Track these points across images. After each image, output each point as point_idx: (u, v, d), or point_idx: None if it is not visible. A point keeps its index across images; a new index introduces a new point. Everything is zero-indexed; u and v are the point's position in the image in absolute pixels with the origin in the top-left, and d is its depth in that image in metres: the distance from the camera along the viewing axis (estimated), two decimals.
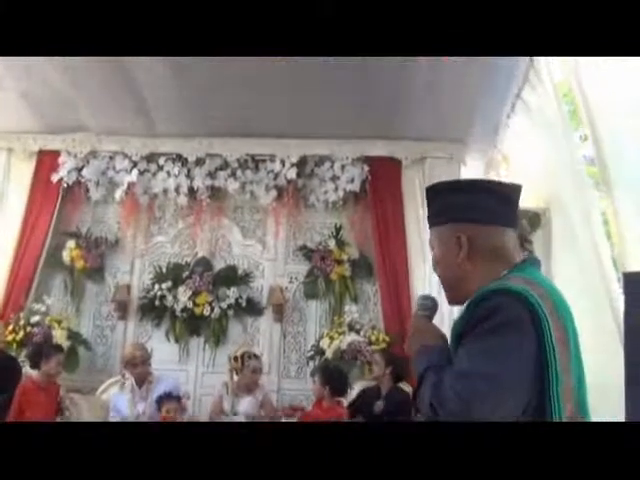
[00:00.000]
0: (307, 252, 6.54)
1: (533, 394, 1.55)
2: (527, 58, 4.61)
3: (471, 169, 6.61)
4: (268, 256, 6.63)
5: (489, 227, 1.77)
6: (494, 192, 1.82)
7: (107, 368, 6.39)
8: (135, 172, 6.49)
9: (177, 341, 6.39)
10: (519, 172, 6.06)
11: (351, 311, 6.28)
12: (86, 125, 6.37)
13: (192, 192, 6.53)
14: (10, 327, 6.01)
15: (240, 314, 6.44)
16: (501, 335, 1.54)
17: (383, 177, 6.45)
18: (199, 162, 6.54)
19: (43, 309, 6.20)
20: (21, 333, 5.98)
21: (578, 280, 4.48)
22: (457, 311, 1.75)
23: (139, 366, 5.22)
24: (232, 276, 6.51)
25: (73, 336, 6.19)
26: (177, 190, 6.53)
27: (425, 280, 5.89)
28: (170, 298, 6.33)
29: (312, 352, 6.24)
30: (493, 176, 6.41)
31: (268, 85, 5.37)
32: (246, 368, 5.35)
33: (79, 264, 6.47)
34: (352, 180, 6.41)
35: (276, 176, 6.46)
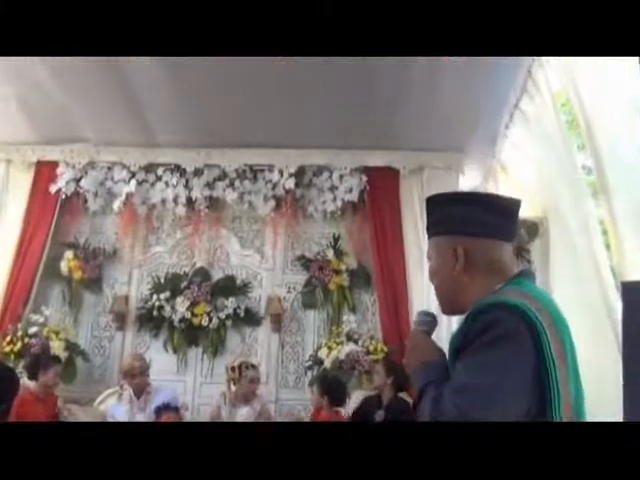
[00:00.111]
0: (305, 262, 6.54)
1: (532, 406, 1.55)
2: (525, 68, 4.63)
3: (469, 179, 6.63)
4: (266, 266, 6.63)
5: (487, 240, 1.78)
6: (493, 206, 1.82)
7: (105, 379, 6.37)
8: (133, 182, 6.50)
9: (175, 352, 6.38)
10: (517, 182, 6.07)
11: (349, 321, 6.28)
12: (84, 136, 6.38)
13: (190, 202, 6.54)
14: (8, 338, 5.99)
15: (238, 324, 6.43)
16: (499, 348, 1.54)
17: (381, 187, 6.46)
18: (197, 172, 6.55)
19: (41, 320, 6.19)
20: (19, 344, 5.96)
21: (576, 289, 4.48)
22: (456, 326, 1.74)
23: (137, 377, 5.21)
24: (230, 286, 6.50)
25: (71, 347, 6.17)
26: (175, 200, 6.53)
27: (423, 290, 5.88)
28: (168, 308, 6.32)
29: (310, 362, 6.23)
30: (491, 186, 6.43)
31: (266, 95, 5.39)
32: (244, 378, 5.34)
33: (77, 275, 6.46)
34: (350, 190, 6.42)
35: (274, 186, 6.47)
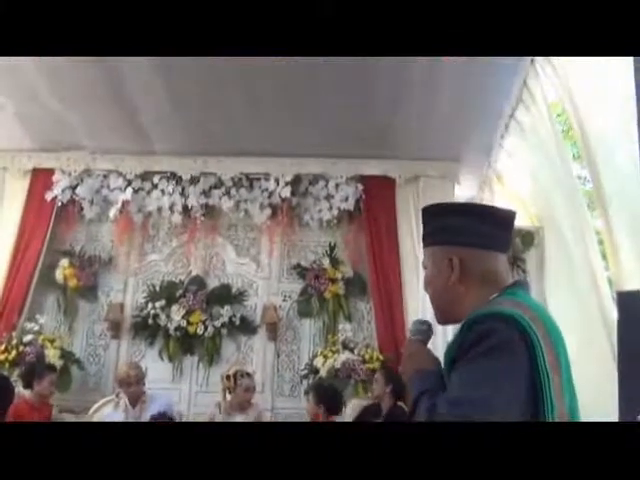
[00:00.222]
0: (301, 271, 6.54)
1: (526, 416, 1.55)
2: (521, 78, 4.65)
3: (465, 188, 6.64)
4: (262, 274, 6.63)
5: (482, 251, 1.78)
6: (489, 217, 1.83)
7: (100, 387, 6.35)
8: (129, 190, 6.49)
9: (170, 360, 6.36)
10: (513, 191, 6.09)
11: (345, 329, 6.28)
12: (80, 144, 6.38)
13: (186, 210, 6.54)
14: (2, 346, 5.97)
15: (234, 333, 6.42)
16: (494, 358, 1.54)
17: (377, 196, 6.48)
18: (193, 180, 6.55)
19: (36, 328, 6.16)
20: (13, 352, 5.93)
21: (572, 299, 4.49)
22: (451, 335, 1.75)
23: (133, 385, 5.19)
24: (226, 294, 6.50)
25: (66, 355, 6.15)
26: (171, 208, 6.53)
27: (419, 299, 5.89)
28: (163, 317, 6.31)
29: (306, 371, 6.23)
30: (487, 195, 6.44)
31: (262, 104, 5.40)
32: (239, 387, 5.33)
33: (72, 283, 6.45)
34: (346, 199, 6.43)
35: (270, 195, 6.48)
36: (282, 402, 6.31)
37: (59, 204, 6.53)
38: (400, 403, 5.16)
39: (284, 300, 6.58)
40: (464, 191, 6.72)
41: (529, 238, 5.64)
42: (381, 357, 6.02)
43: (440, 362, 1.78)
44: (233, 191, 6.52)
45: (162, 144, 6.32)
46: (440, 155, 6.25)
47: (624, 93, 3.01)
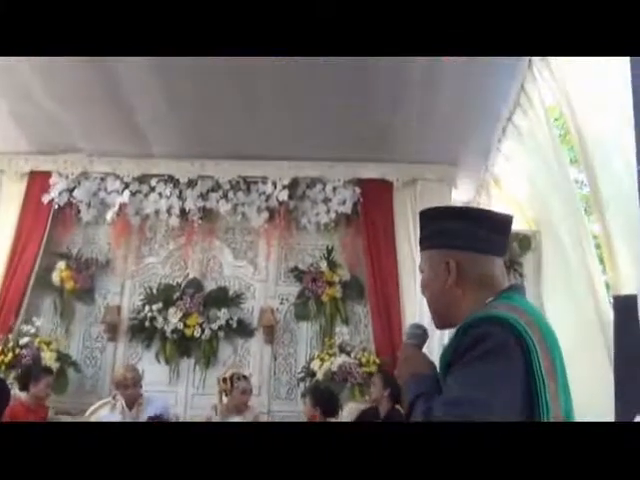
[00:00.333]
0: (298, 274, 6.54)
1: (522, 420, 1.56)
2: (518, 83, 4.66)
3: (462, 192, 6.65)
4: (259, 277, 6.63)
5: (478, 255, 1.79)
6: (486, 221, 1.83)
7: (96, 389, 6.35)
8: (127, 193, 6.49)
9: (167, 362, 6.35)
10: (510, 195, 6.10)
11: (342, 333, 6.28)
12: (78, 146, 6.38)
13: (184, 213, 6.54)
14: None
15: (231, 335, 6.42)
16: (489, 362, 1.55)
17: (374, 199, 6.48)
18: (191, 183, 6.55)
19: (32, 330, 6.16)
20: (10, 355, 5.92)
21: (569, 303, 4.49)
22: (448, 338, 1.75)
23: (130, 388, 5.19)
24: (223, 297, 6.50)
25: (62, 358, 6.14)
26: (169, 211, 6.53)
27: (416, 302, 5.89)
28: (160, 319, 6.31)
29: (303, 374, 6.23)
30: (484, 199, 6.45)
31: (260, 107, 5.41)
32: (235, 389, 5.33)
33: (69, 285, 6.44)
34: (344, 202, 6.44)
35: (268, 198, 6.49)
36: (279, 405, 6.30)
37: (56, 207, 6.52)
38: (398, 407, 5.16)
39: (281, 303, 6.58)
40: (461, 195, 6.73)
41: (526, 242, 5.65)
42: (377, 361, 6.02)
43: (435, 366, 1.79)
44: (230, 194, 6.52)
45: (160, 147, 6.32)
46: (438, 158, 6.26)
47: (621, 97, 3.02)
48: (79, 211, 6.58)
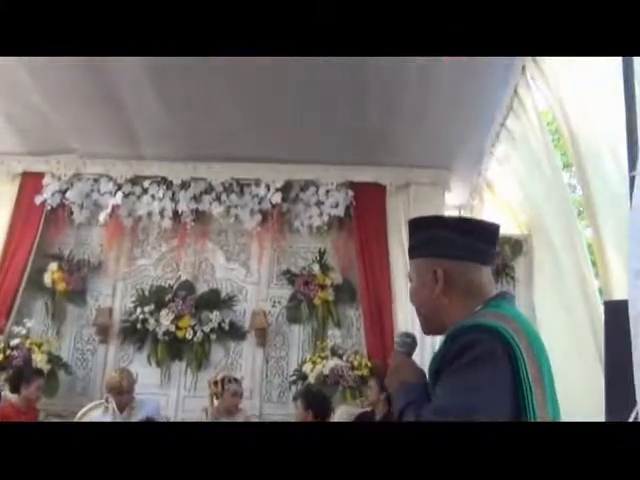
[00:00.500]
0: (291, 276, 6.54)
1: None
2: (512, 87, 4.68)
3: (455, 196, 6.67)
4: (251, 280, 6.62)
5: (466, 263, 1.80)
6: (473, 230, 1.85)
7: (87, 392, 6.32)
8: (119, 195, 6.48)
9: (159, 365, 6.34)
10: (503, 199, 6.12)
11: (334, 336, 6.28)
12: (71, 147, 6.36)
13: (176, 215, 6.53)
14: None
15: (223, 338, 6.41)
16: (477, 369, 1.56)
17: (367, 203, 6.49)
18: (184, 185, 6.55)
19: (23, 332, 6.14)
20: (0, 356, 5.91)
21: (560, 307, 4.51)
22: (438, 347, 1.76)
23: (124, 394, 5.18)
24: (215, 300, 6.49)
25: (53, 360, 6.12)
26: (161, 213, 6.52)
27: (408, 306, 5.86)
28: (152, 321, 6.29)
29: (295, 377, 6.22)
30: (477, 203, 6.47)
31: (254, 110, 5.41)
32: (226, 392, 5.33)
33: (61, 287, 6.42)
34: (336, 205, 6.44)
35: (261, 200, 6.48)
36: (270, 408, 6.29)
37: (49, 208, 6.51)
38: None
39: (273, 306, 6.57)
40: (454, 199, 6.75)
41: (518, 246, 5.68)
42: (369, 364, 6.02)
43: (425, 374, 1.80)
44: (223, 197, 6.52)
45: (153, 149, 6.32)
46: (431, 163, 6.27)
47: (614, 102, 3.03)
48: (72, 212, 6.56)
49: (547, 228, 4.89)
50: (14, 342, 6.03)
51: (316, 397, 5.23)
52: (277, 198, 6.44)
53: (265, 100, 5.23)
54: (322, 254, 6.52)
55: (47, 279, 6.44)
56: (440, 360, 1.65)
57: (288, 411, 5.99)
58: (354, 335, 6.46)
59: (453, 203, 6.80)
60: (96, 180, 6.62)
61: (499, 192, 6.23)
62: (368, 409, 5.42)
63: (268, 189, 6.48)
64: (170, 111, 5.47)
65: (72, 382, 6.34)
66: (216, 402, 5.39)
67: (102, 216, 6.50)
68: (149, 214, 6.56)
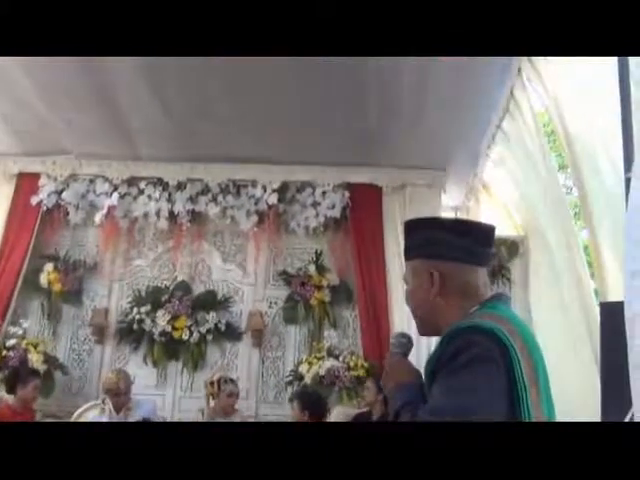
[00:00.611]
0: (287, 277, 6.54)
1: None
2: (508, 89, 4.69)
3: (451, 197, 6.68)
4: (248, 281, 6.62)
5: (462, 265, 1.81)
6: (469, 232, 1.85)
7: (83, 392, 6.31)
8: (116, 196, 6.47)
9: (155, 365, 6.33)
10: (499, 200, 6.13)
11: (330, 337, 6.29)
12: (67, 148, 6.36)
13: (172, 216, 6.53)
14: None
15: (219, 339, 6.41)
16: (473, 371, 1.57)
17: (364, 204, 6.50)
18: (180, 186, 6.55)
19: (20, 332, 6.14)
20: None
21: (556, 308, 4.52)
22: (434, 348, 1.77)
23: (122, 396, 5.18)
24: (211, 300, 6.49)
25: (49, 360, 6.11)
26: (157, 214, 6.51)
27: (404, 306, 5.88)
28: (148, 322, 6.29)
29: (291, 377, 6.23)
30: (473, 204, 6.48)
31: (251, 111, 5.41)
32: (222, 392, 5.32)
33: (57, 287, 6.41)
34: (333, 206, 6.44)
35: (257, 201, 6.48)
36: (266, 408, 6.30)
37: (44, 208, 6.49)
38: None
39: (270, 307, 6.57)
40: (450, 200, 6.76)
41: (514, 248, 5.69)
42: (366, 365, 6.02)
43: (421, 375, 1.80)
44: (220, 197, 6.52)
45: (149, 149, 6.31)
46: (427, 164, 6.28)
47: (610, 103, 3.04)
48: (67, 213, 6.55)
49: (543, 229, 4.90)
50: (10, 343, 6.02)
51: (312, 398, 5.24)
52: (273, 199, 6.44)
53: (261, 101, 5.23)
54: (318, 255, 6.52)
55: (43, 280, 6.43)
56: (436, 361, 1.66)
57: (284, 412, 5.98)
58: (350, 336, 6.46)
59: (449, 204, 6.81)
60: (92, 181, 6.62)
61: (495, 193, 6.24)
62: (365, 410, 5.42)
63: (264, 190, 6.48)
64: (166, 111, 5.47)
65: (68, 382, 6.34)
66: (212, 402, 5.38)
67: (98, 217, 6.49)
68: (145, 215, 6.55)
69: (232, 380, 5.50)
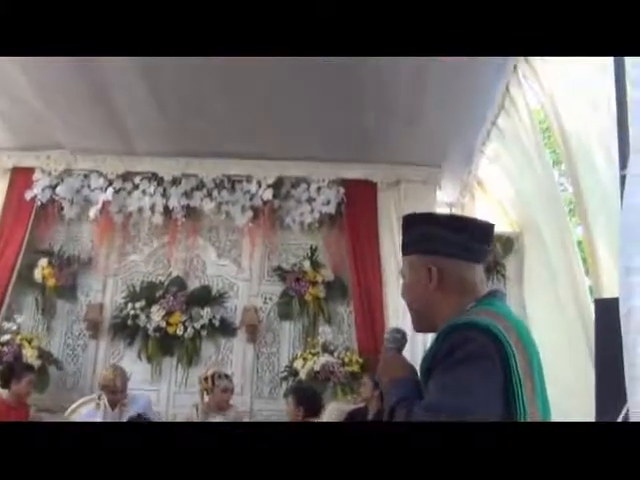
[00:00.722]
0: (282, 273, 6.55)
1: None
2: (503, 85, 4.69)
3: (446, 193, 6.69)
4: (243, 276, 6.62)
5: (460, 261, 1.81)
6: (468, 228, 1.86)
7: (77, 387, 6.31)
8: (110, 190, 6.46)
9: (149, 361, 6.33)
10: (494, 197, 6.14)
11: (325, 332, 6.29)
12: (61, 143, 6.34)
13: (167, 211, 6.52)
14: None
15: (213, 334, 6.40)
16: (469, 367, 1.57)
17: (359, 200, 6.50)
18: (175, 182, 6.54)
19: (14, 328, 6.12)
20: None
21: (551, 304, 4.54)
22: (430, 342, 1.77)
23: (117, 393, 5.19)
24: (206, 296, 6.49)
25: (43, 355, 6.10)
26: (152, 209, 6.50)
27: (399, 302, 5.90)
28: (143, 317, 6.28)
29: (285, 373, 6.23)
30: (468, 200, 6.49)
31: (246, 106, 5.40)
32: (216, 388, 5.33)
33: (51, 282, 6.40)
34: (328, 202, 6.45)
35: (252, 197, 6.48)
36: (261, 404, 6.31)
37: (39, 203, 6.48)
38: None
39: (264, 302, 6.58)
40: (445, 196, 6.77)
41: (509, 244, 5.70)
42: (360, 360, 6.04)
43: (416, 370, 1.81)
44: (215, 193, 6.51)
45: (144, 144, 6.30)
46: (422, 160, 6.28)
47: (606, 101, 3.05)
48: (62, 208, 6.53)
49: (538, 226, 4.91)
50: (4, 338, 6.01)
51: (307, 393, 5.24)
52: (268, 195, 6.44)
53: (257, 97, 5.23)
54: (313, 251, 6.53)
55: (37, 275, 6.42)
56: (432, 358, 1.67)
57: (279, 407, 6.00)
58: (345, 331, 6.47)
59: (444, 201, 6.82)
60: (86, 176, 6.60)
61: (490, 190, 6.26)
62: (361, 405, 5.43)
63: (259, 186, 6.48)
64: (161, 107, 5.46)
65: (62, 377, 6.33)
66: (206, 398, 5.39)
67: (93, 212, 6.48)
68: (140, 210, 6.54)
69: (226, 375, 5.50)
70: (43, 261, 6.44)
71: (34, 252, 6.51)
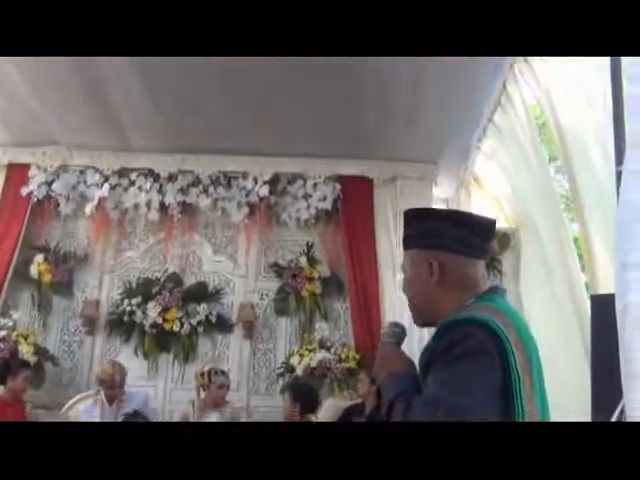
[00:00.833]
0: (278, 269, 6.55)
1: (498, 419, 1.58)
2: (500, 82, 4.69)
3: (443, 190, 6.69)
4: (239, 273, 6.62)
5: (461, 257, 1.81)
6: (470, 224, 1.86)
7: (74, 383, 6.30)
8: (106, 187, 6.45)
9: (146, 357, 6.33)
10: (490, 193, 6.15)
11: (321, 328, 6.30)
12: (57, 139, 6.32)
13: (163, 208, 6.51)
14: None
15: (210, 330, 6.40)
16: (467, 363, 1.57)
17: (355, 196, 6.50)
18: (171, 178, 6.53)
19: (10, 324, 6.11)
20: None
21: (547, 300, 4.54)
22: (428, 336, 1.77)
23: (116, 388, 5.19)
24: (202, 292, 6.49)
25: (40, 351, 6.09)
26: (148, 205, 6.50)
27: (395, 298, 5.92)
28: (139, 314, 6.28)
29: (282, 369, 6.24)
30: (464, 196, 6.49)
31: (242, 103, 5.39)
32: (213, 384, 5.33)
33: (47, 278, 6.39)
34: (324, 198, 6.45)
35: (248, 193, 6.48)
36: (258, 400, 6.31)
37: (35, 199, 6.46)
38: None
39: (261, 298, 6.58)
40: (441, 192, 6.77)
41: (505, 240, 5.71)
42: (357, 356, 6.04)
43: (414, 364, 1.80)
44: (211, 189, 6.51)
45: (140, 141, 6.29)
46: (418, 157, 6.28)
47: (602, 97, 3.06)
48: (58, 204, 6.52)
49: (534, 222, 4.92)
50: (0, 334, 5.99)
51: (304, 390, 5.24)
52: (265, 191, 6.43)
53: (253, 93, 5.22)
54: (310, 247, 6.53)
55: (33, 271, 6.40)
56: (431, 353, 1.67)
57: (275, 403, 5.99)
58: (341, 328, 6.48)
59: (440, 196, 6.82)
60: (82, 172, 6.59)
61: (486, 186, 6.26)
62: (358, 401, 5.43)
63: (256, 182, 6.47)
64: (158, 103, 5.45)
65: (59, 374, 6.32)
66: (203, 394, 5.39)
67: (89, 208, 6.47)
68: (136, 206, 6.53)
69: (223, 372, 5.50)
70: (39, 257, 6.42)
71: (30, 248, 6.49)
